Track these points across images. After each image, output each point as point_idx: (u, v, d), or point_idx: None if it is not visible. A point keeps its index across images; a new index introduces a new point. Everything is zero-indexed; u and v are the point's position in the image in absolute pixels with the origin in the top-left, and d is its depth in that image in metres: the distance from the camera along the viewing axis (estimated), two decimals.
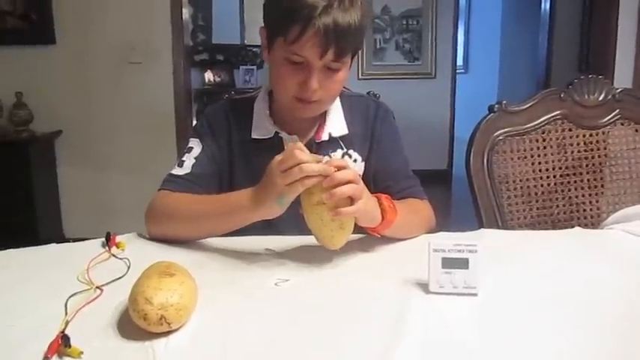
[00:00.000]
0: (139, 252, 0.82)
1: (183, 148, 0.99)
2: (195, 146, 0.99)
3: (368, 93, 1.13)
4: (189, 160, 0.98)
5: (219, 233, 0.85)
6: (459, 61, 5.00)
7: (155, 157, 2.84)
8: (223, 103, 1.05)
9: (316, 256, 0.80)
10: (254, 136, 0.97)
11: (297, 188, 0.74)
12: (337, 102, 1.01)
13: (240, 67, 4.25)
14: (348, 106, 1.02)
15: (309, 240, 0.80)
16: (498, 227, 1.15)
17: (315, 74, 0.87)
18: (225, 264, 0.79)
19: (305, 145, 0.97)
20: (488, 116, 1.19)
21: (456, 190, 4.20)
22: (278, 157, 0.76)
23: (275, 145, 0.96)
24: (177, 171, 0.97)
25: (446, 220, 3.13)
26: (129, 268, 0.75)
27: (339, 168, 0.74)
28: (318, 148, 0.97)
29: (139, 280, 0.61)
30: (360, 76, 4.30)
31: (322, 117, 0.97)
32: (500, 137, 1.19)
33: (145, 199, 0.91)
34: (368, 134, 1.01)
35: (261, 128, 0.97)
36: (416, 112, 4.26)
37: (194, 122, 3.54)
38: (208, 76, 4.23)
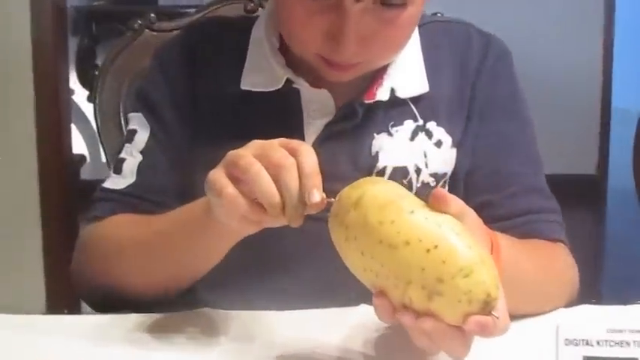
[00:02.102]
0: None
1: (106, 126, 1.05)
2: (140, 128, 1.05)
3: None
4: (131, 157, 1.04)
5: (188, 270, 0.94)
6: None
7: None
8: (188, 31, 1.12)
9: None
10: (245, 86, 1.03)
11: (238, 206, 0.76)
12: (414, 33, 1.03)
13: None
14: (430, 39, 1.05)
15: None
16: None
17: (352, 24, 0.89)
18: None
19: (344, 107, 1.02)
20: None
21: (612, 216, 4.21)
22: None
23: (285, 102, 1.01)
24: (113, 182, 1.04)
25: (593, 275, 2.97)
26: None
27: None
28: (369, 114, 1.02)
29: None
30: None
31: None
32: None
33: None
34: (465, 94, 1.05)
35: (261, 73, 1.03)
36: (530, 55, 4.26)
37: (72, 77, 3.57)
38: None
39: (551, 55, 4.39)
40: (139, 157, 1.04)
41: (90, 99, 1.31)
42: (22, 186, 2.65)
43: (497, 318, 0.68)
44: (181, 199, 1.02)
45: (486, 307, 0.68)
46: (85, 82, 3.72)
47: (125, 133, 1.09)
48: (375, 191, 0.73)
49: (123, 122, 1.32)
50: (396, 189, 0.75)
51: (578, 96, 4.47)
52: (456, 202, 0.74)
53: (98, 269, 0.98)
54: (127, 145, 1.06)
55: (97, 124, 1.31)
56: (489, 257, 0.71)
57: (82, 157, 3.05)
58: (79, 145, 3.12)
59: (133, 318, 0.93)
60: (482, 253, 0.70)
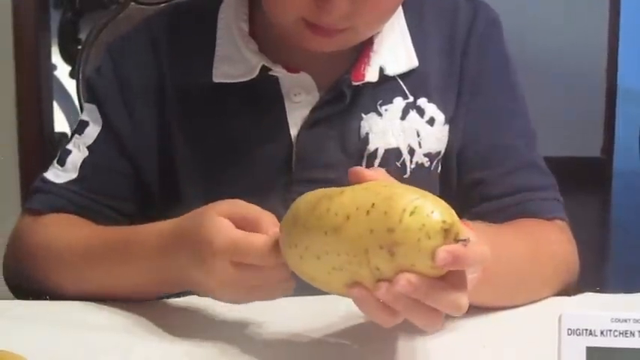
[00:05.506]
0: None
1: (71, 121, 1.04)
2: (92, 121, 1.04)
3: None
4: (77, 150, 1.03)
5: (137, 295, 0.94)
6: None
7: None
8: (148, 22, 1.09)
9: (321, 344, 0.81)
10: (218, 78, 1.02)
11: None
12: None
13: None
14: (414, 10, 1.05)
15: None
16: None
17: None
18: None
19: (330, 90, 1.01)
20: None
21: (618, 201, 4.19)
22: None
23: (263, 91, 1.00)
24: (54, 174, 1.03)
25: (598, 262, 3.01)
26: None
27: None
28: (356, 95, 1.01)
29: None
30: None
31: (366, 39, 1.02)
32: None
33: None
34: (455, 65, 1.05)
35: (234, 62, 1.02)
36: (534, 34, 4.24)
37: (54, 52, 3.55)
38: None
39: (555, 33, 4.38)
40: (85, 153, 1.03)
41: (72, 75, 1.31)
42: (2, 166, 2.64)
43: (467, 240, 0.67)
44: (130, 201, 1.04)
45: (449, 235, 0.67)
46: (67, 57, 3.70)
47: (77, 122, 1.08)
48: (305, 199, 0.75)
49: None
50: (324, 189, 0.76)
51: (583, 75, 4.44)
52: (380, 171, 0.76)
53: (32, 276, 0.98)
54: (76, 136, 1.04)
55: (79, 102, 1.30)
56: (432, 194, 0.71)
57: (64, 136, 3.03)
58: (60, 123, 3.10)
59: (115, 305, 0.93)
60: (422, 191, 0.70)
